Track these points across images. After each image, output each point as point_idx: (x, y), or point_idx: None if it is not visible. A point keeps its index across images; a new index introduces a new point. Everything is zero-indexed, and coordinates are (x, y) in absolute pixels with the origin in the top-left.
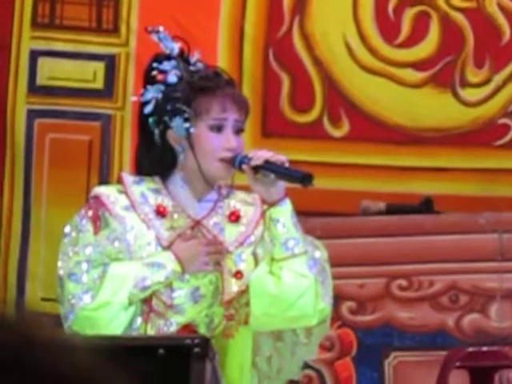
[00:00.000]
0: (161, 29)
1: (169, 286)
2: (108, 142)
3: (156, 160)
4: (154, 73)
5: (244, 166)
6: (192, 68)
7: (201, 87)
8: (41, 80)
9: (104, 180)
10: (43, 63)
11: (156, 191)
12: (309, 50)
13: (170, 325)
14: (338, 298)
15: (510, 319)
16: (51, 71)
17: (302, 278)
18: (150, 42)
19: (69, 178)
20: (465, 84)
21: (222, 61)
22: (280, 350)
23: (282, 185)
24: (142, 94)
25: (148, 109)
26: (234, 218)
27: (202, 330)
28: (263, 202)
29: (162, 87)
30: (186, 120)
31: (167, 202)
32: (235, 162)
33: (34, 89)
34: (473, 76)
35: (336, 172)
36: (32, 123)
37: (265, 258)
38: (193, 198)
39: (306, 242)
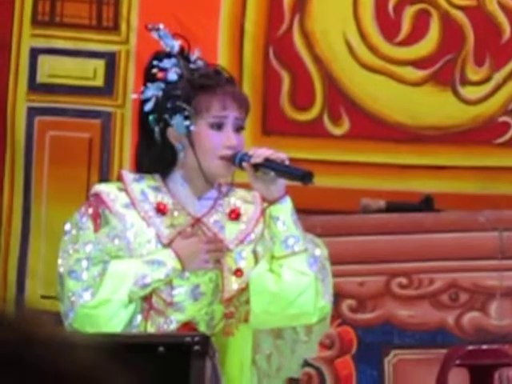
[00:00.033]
0: (161, 26)
1: (169, 283)
2: (108, 140)
3: (156, 158)
4: (155, 70)
5: (244, 164)
6: (192, 66)
7: (201, 85)
8: (41, 78)
9: (104, 178)
10: (43, 61)
11: (156, 189)
12: (309, 48)
13: (170, 322)
14: (338, 296)
15: (510, 317)
16: (51, 69)
17: (302, 275)
18: (150, 39)
19: (69, 176)
20: (465, 82)
21: (223, 59)
22: (280, 348)
23: (282, 183)
24: (142, 92)
25: (148, 106)
26: (234, 215)
27: (202, 328)
28: (263, 199)
29: (162, 85)
30: (186, 118)
31: (167, 200)
32: (235, 160)
33: (34, 86)
34: (473, 74)
35: (336, 170)
36: (32, 121)
37: (265, 255)
38: (193, 196)
39: (306, 239)
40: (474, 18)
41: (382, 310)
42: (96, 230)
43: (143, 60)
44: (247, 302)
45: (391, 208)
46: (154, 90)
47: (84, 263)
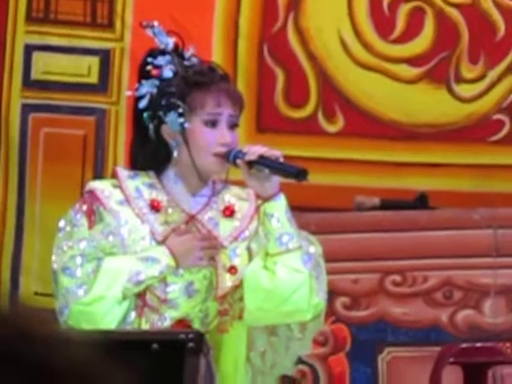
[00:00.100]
0: (155, 24)
1: (163, 280)
2: (102, 137)
3: (150, 155)
4: (149, 68)
5: (238, 161)
6: (186, 63)
7: (195, 82)
8: (35, 74)
9: (98, 174)
10: (38, 58)
11: (150, 186)
12: (303, 45)
13: (164, 319)
14: (332, 294)
15: (504, 315)
16: (46, 66)
17: (296, 272)
18: (144, 36)
19: (63, 173)
20: (459, 80)
21: (217, 56)
22: (274, 345)
23: (277, 180)
24: (137, 89)
25: (142, 104)
26: (229, 212)
27: (196, 325)
28: (257, 196)
29: (156, 82)
30: (181, 115)
31: (162, 197)
32: (229, 157)
33: (28, 83)
34: (467, 72)
35: (330, 167)
36: (26, 118)
37: (259, 252)
38: (187, 193)
39: (300, 237)
40: (469, 16)
41: (375, 308)
42: (90, 226)
43: (138, 57)
44: (241, 299)
45: (385, 205)
46: (148, 87)
47: (78, 260)
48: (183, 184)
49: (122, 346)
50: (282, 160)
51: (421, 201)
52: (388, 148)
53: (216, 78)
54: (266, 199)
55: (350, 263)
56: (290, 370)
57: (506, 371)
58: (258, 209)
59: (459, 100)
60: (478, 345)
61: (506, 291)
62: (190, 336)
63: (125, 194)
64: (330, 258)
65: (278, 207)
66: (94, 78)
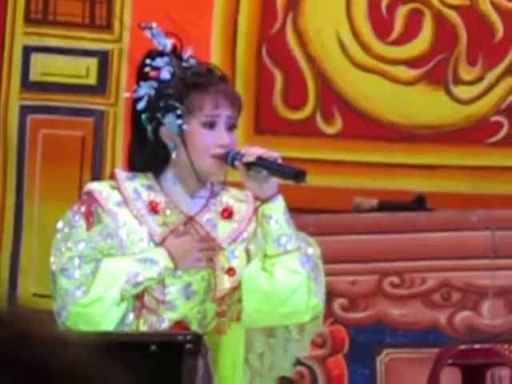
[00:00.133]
0: (154, 25)
1: (161, 282)
2: (101, 138)
3: (149, 156)
4: (147, 69)
5: (236, 163)
6: (185, 64)
7: (193, 83)
8: (34, 76)
9: (97, 176)
10: (36, 59)
11: (149, 187)
12: (302, 46)
13: (163, 321)
14: (330, 295)
15: (502, 317)
16: (44, 67)
17: (294, 274)
18: (143, 38)
19: (61, 174)
20: (458, 81)
21: (215, 57)
22: (272, 347)
23: (275, 181)
24: (135, 91)
25: (140, 105)
26: (227, 214)
27: (195, 327)
28: (256, 198)
29: (154, 84)
30: (179, 117)
31: (160, 198)
32: (228, 159)
33: (26, 85)
34: (466, 73)
35: (329, 169)
36: (25, 119)
37: (257, 254)
38: (185, 195)
39: (298, 238)
40: (467, 18)
41: (374, 309)
42: (88, 228)
43: (136, 58)
44: (239, 300)
45: (383, 207)
46: (146, 89)
47: (76, 261)
48: (181, 185)
49: (120, 348)
50: (280, 161)
51: (419, 202)
52: (386, 149)
53: (214, 80)
54: (265, 201)
55: (348, 265)
56: (289, 372)
57: (504, 373)
58: (256, 210)
59: (457, 102)
60: (477, 346)
61: (504, 293)
62: (188, 337)
63: (123, 196)
64: (328, 259)
65: (277, 209)
66: (92, 80)
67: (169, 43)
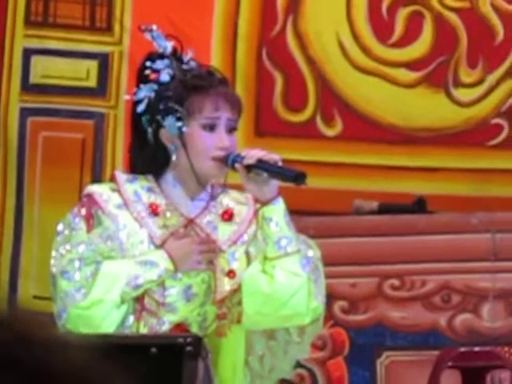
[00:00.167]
0: (154, 27)
1: (161, 284)
2: (101, 141)
3: (149, 159)
4: (147, 72)
5: (237, 165)
6: (185, 67)
7: (194, 86)
8: (34, 78)
9: (97, 178)
10: (36, 61)
11: (149, 190)
12: (302, 49)
13: (163, 323)
14: (331, 298)
15: (503, 319)
16: (44, 69)
17: (294, 276)
18: (143, 40)
19: (62, 176)
20: (458, 84)
21: (216, 60)
22: (273, 349)
23: (275, 184)
24: (135, 93)
25: (141, 108)
26: (227, 216)
27: (195, 329)
28: (256, 200)
29: (154, 86)
30: (179, 119)
31: (160, 201)
32: (228, 161)
33: (27, 87)
34: (466, 76)
35: (329, 171)
36: (25, 121)
37: (257, 256)
38: (186, 197)
39: (298, 240)
40: (467, 20)
41: (374, 312)
42: (89, 230)
43: (136, 61)
44: (240, 303)
45: (384, 209)
46: (146, 92)
47: (76, 263)
48: (182, 188)
49: (120, 350)
50: (280, 164)
51: (419, 205)
52: (386, 152)
53: (214, 82)
54: (265, 203)
55: (348, 267)
56: (289, 374)
57: (505, 375)
58: (256, 213)
59: (458, 104)
60: (477, 349)
61: (505, 295)
62: (189, 340)
63: (123, 198)
64: (328, 261)
65: (277, 211)
66: (92, 82)
67: (169, 46)
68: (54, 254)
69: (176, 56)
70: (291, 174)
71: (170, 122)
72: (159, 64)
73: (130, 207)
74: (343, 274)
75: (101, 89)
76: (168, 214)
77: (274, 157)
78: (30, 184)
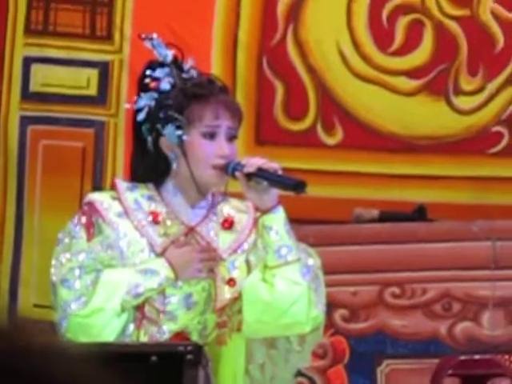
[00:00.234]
0: (154, 36)
1: (162, 292)
2: (101, 149)
3: (150, 167)
4: (148, 80)
5: (237, 174)
6: (185, 75)
7: (194, 94)
8: (34, 86)
9: (97, 187)
10: (36, 70)
11: (150, 198)
12: (303, 57)
13: (163, 332)
14: (331, 306)
15: (503, 327)
16: (45, 78)
17: (294, 285)
18: (143, 49)
19: (62, 185)
20: (458, 92)
21: (216, 68)
22: (273, 358)
23: (275, 192)
24: (135, 102)
25: (141, 116)
26: (228, 225)
27: (195, 338)
28: (256, 209)
29: (155, 95)
30: (179, 127)
31: (161, 209)
32: (228, 169)
33: (27, 95)
34: (466, 84)
35: (329, 180)
36: (25, 130)
37: (258, 265)
38: (186, 205)
39: (299, 249)
40: (468, 28)
41: (374, 320)
42: (89, 238)
43: (136, 69)
44: (240, 311)
45: (384, 218)
46: (146, 100)
47: (77, 272)
48: (182, 196)
49: (120, 359)
50: (280, 172)
51: (419, 213)
52: (387, 160)
53: (215, 90)
54: (265, 211)
55: (348, 275)
56: (289, 383)
57: (505, 383)
58: (256, 221)
59: (458, 112)
60: (477, 357)
61: (505, 303)
62: (189, 348)
63: (124, 206)
64: (328, 270)
65: (277, 220)
66: (92, 90)
67: (169, 54)
68: (54, 262)
69: (176, 64)
70: (291, 183)
71: (169, 130)
72: (159, 72)
73: (130, 215)
74: (344, 282)
75: (101, 97)
76: (168, 223)
77: (274, 165)
78: (30, 192)
